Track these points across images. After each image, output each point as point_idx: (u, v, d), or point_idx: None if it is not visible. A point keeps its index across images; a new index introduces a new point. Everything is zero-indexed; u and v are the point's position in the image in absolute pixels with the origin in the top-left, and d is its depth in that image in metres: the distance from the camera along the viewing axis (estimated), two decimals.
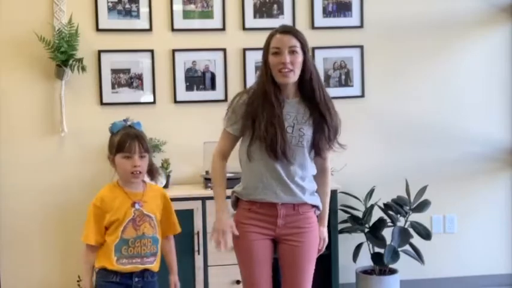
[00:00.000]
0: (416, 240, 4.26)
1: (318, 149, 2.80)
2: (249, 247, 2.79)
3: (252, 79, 4.43)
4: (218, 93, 4.43)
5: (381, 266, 4.27)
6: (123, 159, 2.76)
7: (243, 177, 2.86)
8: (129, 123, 2.85)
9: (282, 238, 2.80)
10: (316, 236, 2.87)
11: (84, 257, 2.82)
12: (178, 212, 3.93)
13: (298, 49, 2.72)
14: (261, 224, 2.78)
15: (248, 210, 2.80)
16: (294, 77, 2.74)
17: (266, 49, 2.78)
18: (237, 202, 2.88)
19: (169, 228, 2.94)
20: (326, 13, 4.50)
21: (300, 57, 2.73)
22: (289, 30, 2.78)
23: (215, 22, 4.40)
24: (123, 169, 2.78)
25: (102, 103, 4.33)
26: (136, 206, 2.78)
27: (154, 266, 2.85)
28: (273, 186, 2.75)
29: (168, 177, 4.20)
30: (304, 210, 2.81)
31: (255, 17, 4.43)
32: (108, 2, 4.30)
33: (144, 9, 4.34)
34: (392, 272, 4.30)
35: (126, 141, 2.75)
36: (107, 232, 2.78)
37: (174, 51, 4.37)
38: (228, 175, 4.23)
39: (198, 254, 4.04)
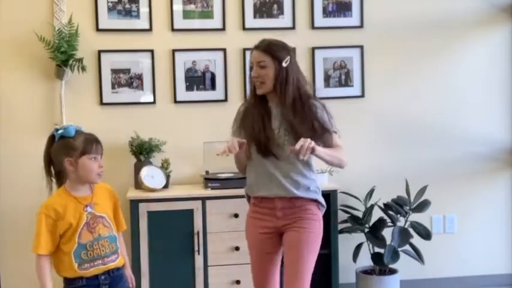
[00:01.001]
0: (416, 240, 4.26)
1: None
2: (253, 238, 3.08)
3: None
4: (218, 93, 4.43)
5: (381, 266, 4.27)
6: (90, 160, 2.77)
7: (247, 176, 3.15)
8: (62, 126, 2.84)
9: (284, 228, 3.00)
10: (317, 227, 3.00)
11: (40, 269, 2.74)
12: (178, 212, 3.99)
13: (268, 63, 2.98)
14: (264, 217, 3.04)
15: (253, 205, 3.10)
16: (265, 87, 2.99)
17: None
18: (249, 198, 3.17)
19: (117, 226, 2.93)
20: (326, 13, 4.50)
21: (269, 70, 2.98)
22: (258, 46, 3.04)
23: (215, 22, 4.40)
24: (88, 170, 2.77)
25: (102, 103, 4.33)
26: (88, 209, 2.78)
27: (117, 262, 2.85)
28: (266, 182, 3.00)
29: (168, 177, 4.20)
30: (300, 204, 2.99)
31: (255, 17, 4.43)
32: (108, 2, 4.31)
33: (144, 9, 4.34)
34: (392, 272, 4.30)
35: (92, 143, 2.78)
36: (61, 241, 2.76)
37: (174, 51, 4.37)
38: (228, 175, 4.28)
39: (198, 254, 4.04)
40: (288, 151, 2.86)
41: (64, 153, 2.78)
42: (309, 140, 2.79)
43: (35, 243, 2.74)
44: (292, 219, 2.98)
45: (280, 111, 2.99)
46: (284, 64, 2.98)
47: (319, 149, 2.85)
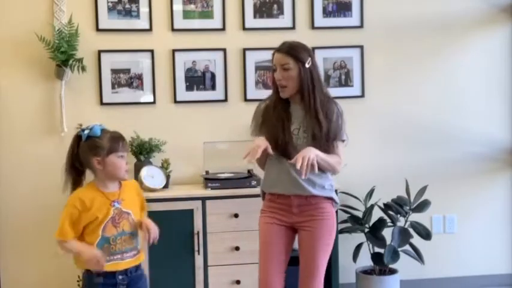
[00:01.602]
0: (416, 240, 4.26)
1: (319, 147, 3.03)
2: (265, 230, 3.16)
3: (252, 79, 4.44)
4: (218, 93, 4.43)
5: (381, 266, 4.27)
6: (118, 158, 2.84)
7: (264, 174, 3.24)
8: (103, 125, 2.90)
9: (299, 225, 3.13)
10: (330, 226, 3.13)
11: (66, 247, 2.82)
12: (178, 212, 3.99)
13: (291, 65, 3.05)
14: (280, 212, 3.14)
15: (269, 200, 3.19)
16: (288, 90, 3.08)
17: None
18: (264, 194, 3.25)
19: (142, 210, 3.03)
20: (326, 13, 4.50)
21: (293, 72, 3.05)
22: (280, 48, 3.10)
23: (215, 22, 4.40)
24: (117, 168, 2.84)
25: (102, 103, 4.33)
26: (116, 204, 2.83)
27: (135, 259, 2.90)
28: (284, 180, 3.10)
29: (168, 177, 4.20)
30: (316, 201, 3.11)
31: (255, 17, 4.43)
32: (108, 2, 4.31)
33: (144, 9, 4.34)
34: (392, 272, 4.30)
35: (118, 141, 2.85)
36: (85, 232, 2.82)
37: (174, 51, 4.37)
38: (228, 175, 4.28)
39: (198, 254, 4.04)
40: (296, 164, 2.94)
41: (92, 152, 2.84)
42: (308, 156, 2.90)
43: (58, 230, 2.82)
44: (306, 217, 3.11)
45: (301, 112, 3.09)
46: (307, 65, 3.06)
47: (320, 162, 2.98)
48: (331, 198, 3.16)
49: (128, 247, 2.87)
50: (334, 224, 3.17)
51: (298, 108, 3.12)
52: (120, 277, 2.84)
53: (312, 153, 2.94)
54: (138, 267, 2.92)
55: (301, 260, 3.14)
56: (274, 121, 3.09)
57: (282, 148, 3.05)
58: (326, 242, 3.12)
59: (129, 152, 2.93)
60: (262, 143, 2.99)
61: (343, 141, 3.14)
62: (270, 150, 3.01)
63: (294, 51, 3.07)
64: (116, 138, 2.85)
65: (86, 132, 2.84)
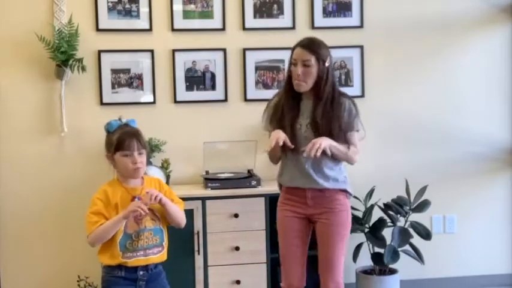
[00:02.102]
0: (416, 240, 4.26)
1: (334, 138, 3.13)
2: (283, 222, 3.29)
3: (252, 79, 4.44)
4: (218, 93, 4.43)
5: (381, 266, 4.27)
6: (122, 157, 2.82)
7: (280, 167, 3.34)
8: (124, 121, 2.91)
9: (315, 217, 3.24)
10: (345, 217, 3.24)
11: (103, 234, 2.79)
12: None
13: (312, 62, 3.13)
14: (295, 204, 3.25)
15: (285, 192, 3.31)
16: (305, 86, 3.17)
17: (289, 59, 3.23)
18: (281, 186, 3.37)
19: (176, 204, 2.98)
20: (326, 13, 4.50)
21: (313, 69, 3.14)
22: (303, 44, 3.18)
23: (215, 22, 4.40)
24: (124, 167, 2.84)
25: (102, 103, 4.33)
26: (137, 200, 2.81)
27: (158, 257, 2.90)
28: (298, 174, 3.22)
29: (168, 177, 4.20)
30: (329, 194, 3.21)
31: (255, 17, 4.43)
32: (108, 2, 4.31)
33: (144, 9, 4.34)
34: (392, 272, 4.30)
35: (124, 139, 2.82)
36: None
37: (174, 51, 4.37)
38: (228, 175, 4.28)
39: (198, 254, 4.04)
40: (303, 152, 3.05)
41: (106, 148, 2.88)
42: (319, 141, 3.02)
43: (88, 228, 2.80)
44: (321, 209, 3.22)
45: (311, 107, 3.18)
46: (327, 64, 3.15)
47: (333, 150, 3.10)
48: (345, 190, 3.25)
49: (151, 244, 2.86)
50: (349, 215, 3.27)
51: (309, 103, 3.20)
52: (141, 272, 2.86)
53: (324, 141, 3.04)
54: (158, 264, 2.93)
55: (320, 252, 3.26)
56: (284, 116, 3.17)
57: (292, 142, 3.12)
58: (342, 233, 3.23)
59: (140, 150, 2.85)
60: (281, 135, 3.08)
61: (357, 131, 3.22)
62: (289, 143, 3.09)
63: (317, 48, 3.16)
64: (123, 138, 2.82)
65: (105, 126, 2.88)
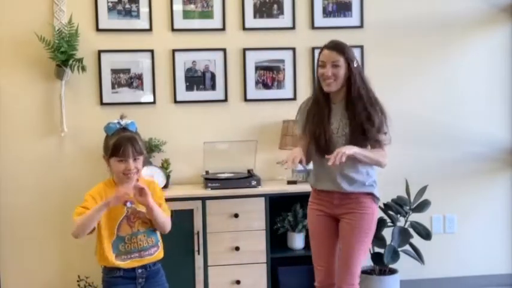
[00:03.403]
0: (416, 240, 4.26)
1: (361, 143, 3.17)
2: (313, 220, 3.36)
3: (252, 79, 4.44)
4: (218, 93, 4.43)
5: (381, 266, 4.27)
6: (117, 162, 2.82)
7: (312, 168, 3.41)
8: (123, 122, 2.89)
9: (340, 217, 3.28)
10: (369, 220, 3.25)
11: (79, 219, 2.76)
12: (178, 212, 3.98)
13: (341, 63, 3.18)
14: (323, 203, 3.31)
15: (314, 191, 3.39)
16: (335, 85, 3.20)
17: (317, 62, 3.28)
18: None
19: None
20: (326, 13, 4.50)
21: (342, 70, 3.18)
22: (333, 46, 3.23)
23: (215, 22, 4.40)
24: (117, 171, 2.84)
25: (102, 103, 4.33)
26: (128, 204, 2.81)
27: (154, 256, 2.92)
28: (325, 178, 3.27)
29: (168, 177, 4.20)
30: (355, 196, 3.24)
31: (255, 17, 4.43)
32: (108, 2, 4.30)
33: (144, 9, 4.34)
34: (392, 272, 4.30)
35: (120, 145, 2.80)
36: (100, 224, 2.82)
37: (174, 51, 4.37)
38: (228, 175, 4.28)
39: (198, 254, 4.04)
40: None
41: (103, 150, 2.88)
42: (344, 149, 3.05)
43: (75, 214, 2.78)
44: (346, 210, 3.24)
45: (341, 111, 3.23)
46: (355, 65, 3.21)
47: (360, 157, 3.14)
48: (371, 194, 3.26)
49: (147, 245, 2.88)
50: (373, 219, 3.28)
51: (339, 107, 3.24)
52: (140, 271, 2.87)
53: (349, 149, 3.07)
54: (156, 262, 2.94)
55: (341, 250, 3.29)
56: (315, 122, 3.22)
57: (324, 146, 3.18)
58: (364, 235, 3.23)
59: (136, 156, 2.84)
60: (298, 154, 3.13)
61: (385, 133, 3.24)
62: (304, 162, 3.15)
63: (345, 49, 3.21)
64: (119, 144, 2.80)
65: (105, 127, 2.88)
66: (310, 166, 3.41)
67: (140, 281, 2.88)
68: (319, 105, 3.25)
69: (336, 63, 3.18)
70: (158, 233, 2.95)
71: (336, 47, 3.23)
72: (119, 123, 2.89)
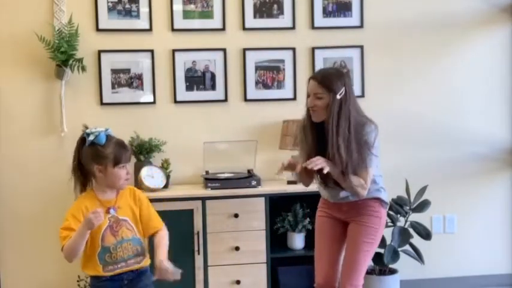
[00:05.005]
0: (416, 240, 4.26)
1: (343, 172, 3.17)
2: (319, 222, 3.40)
3: (252, 79, 4.44)
4: (218, 93, 4.43)
5: (381, 266, 4.27)
6: (119, 169, 2.80)
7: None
8: (101, 129, 2.83)
9: (349, 220, 3.31)
10: (377, 223, 3.26)
11: (67, 244, 2.72)
12: (178, 212, 3.99)
13: (324, 95, 3.14)
14: (332, 208, 3.35)
15: (323, 199, 3.43)
16: (319, 116, 3.18)
17: (306, 89, 3.28)
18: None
19: (154, 225, 2.92)
20: (326, 13, 4.50)
21: (324, 101, 3.15)
22: (315, 77, 3.21)
23: (215, 22, 4.40)
24: (117, 178, 2.80)
25: (102, 103, 4.33)
26: (111, 211, 2.79)
27: (142, 264, 2.87)
28: (331, 193, 3.31)
29: (168, 177, 4.20)
30: (362, 201, 3.25)
31: (255, 17, 4.43)
32: (108, 2, 4.31)
33: (144, 9, 4.34)
34: (392, 272, 4.30)
35: (122, 153, 2.80)
36: (86, 245, 2.77)
37: (174, 51, 4.37)
38: (228, 175, 4.28)
39: (198, 254, 4.04)
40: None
41: (95, 160, 2.79)
42: (321, 161, 3.06)
43: (61, 238, 2.74)
44: (356, 213, 3.27)
45: (331, 137, 3.18)
46: (338, 96, 3.13)
47: (332, 174, 3.12)
48: (379, 199, 3.28)
49: (132, 254, 2.84)
50: (381, 223, 3.29)
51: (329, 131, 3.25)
52: (125, 275, 2.84)
53: (326, 167, 3.06)
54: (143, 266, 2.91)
55: (346, 250, 3.32)
56: (310, 147, 3.22)
57: (322, 174, 3.15)
58: (370, 237, 3.24)
59: (129, 161, 2.89)
60: (291, 159, 3.25)
61: (367, 167, 3.15)
62: (297, 170, 3.16)
63: (328, 81, 3.15)
64: (120, 150, 2.80)
65: (91, 138, 2.78)
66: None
67: (126, 282, 2.84)
68: (312, 130, 3.24)
69: (318, 96, 3.15)
70: (144, 242, 2.89)
71: (321, 79, 3.18)
72: (106, 130, 2.84)
